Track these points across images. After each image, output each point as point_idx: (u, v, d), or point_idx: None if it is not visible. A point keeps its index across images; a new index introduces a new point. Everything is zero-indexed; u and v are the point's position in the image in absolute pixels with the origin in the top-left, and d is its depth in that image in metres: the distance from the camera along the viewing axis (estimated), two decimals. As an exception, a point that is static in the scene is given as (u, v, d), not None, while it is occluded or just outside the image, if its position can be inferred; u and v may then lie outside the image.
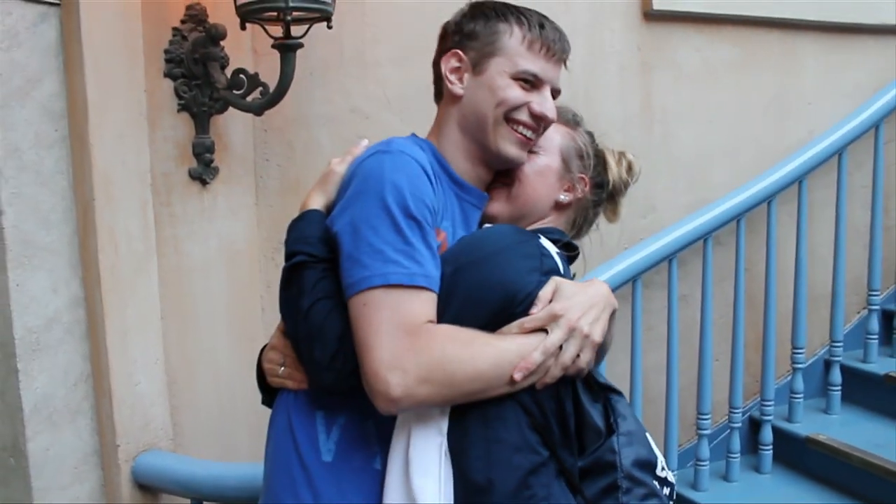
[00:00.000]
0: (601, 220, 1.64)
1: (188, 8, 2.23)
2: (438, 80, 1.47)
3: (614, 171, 1.55)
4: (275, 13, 2.06)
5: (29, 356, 1.93)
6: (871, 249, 3.18)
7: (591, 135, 1.57)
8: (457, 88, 1.42)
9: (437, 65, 1.47)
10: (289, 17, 2.03)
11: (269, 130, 2.47)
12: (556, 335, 1.23)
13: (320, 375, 1.26)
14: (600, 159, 1.55)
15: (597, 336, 1.26)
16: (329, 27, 2.14)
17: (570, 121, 1.55)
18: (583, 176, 1.50)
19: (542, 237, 1.36)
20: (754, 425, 3.11)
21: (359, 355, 1.20)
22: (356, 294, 1.21)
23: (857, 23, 3.25)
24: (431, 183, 1.29)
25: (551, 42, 1.41)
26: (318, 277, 1.28)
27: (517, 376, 1.19)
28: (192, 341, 2.33)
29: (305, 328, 1.26)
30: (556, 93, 1.45)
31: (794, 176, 2.95)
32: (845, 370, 3.15)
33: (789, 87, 3.22)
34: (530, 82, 1.39)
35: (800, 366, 3.05)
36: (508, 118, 1.40)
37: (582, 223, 1.55)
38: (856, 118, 3.07)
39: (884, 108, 3.09)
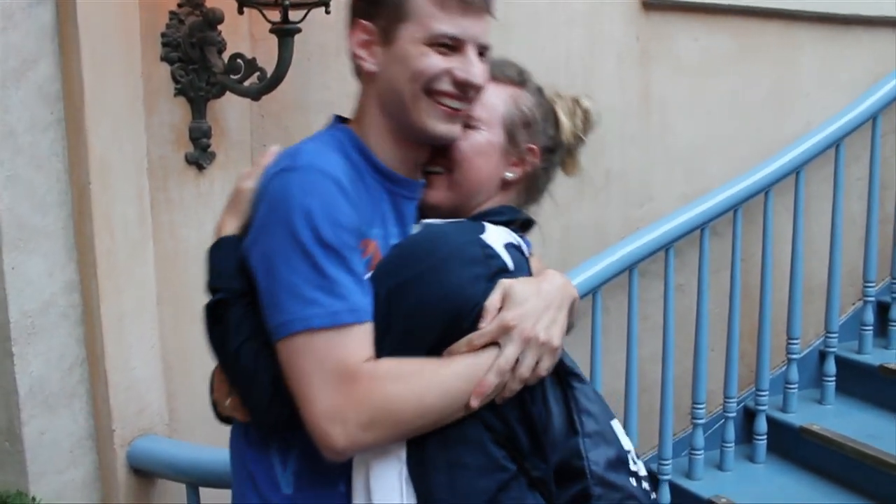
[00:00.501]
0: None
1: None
2: (352, 56, 1.28)
3: (567, 129, 1.36)
4: (272, -2, 2.04)
5: (24, 340, 1.92)
6: (866, 241, 3.19)
7: (540, 91, 1.36)
8: (369, 65, 1.23)
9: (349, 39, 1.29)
10: (287, 2, 2.01)
11: (266, 116, 2.46)
12: (510, 350, 1.11)
13: (260, 417, 1.18)
14: (551, 118, 1.35)
15: (556, 340, 1.15)
16: (327, 12, 2.13)
17: (514, 79, 1.34)
18: (532, 146, 1.32)
19: (487, 227, 1.22)
20: (749, 415, 3.13)
21: (297, 404, 1.10)
22: (280, 340, 1.10)
23: (855, 14, 3.25)
24: (347, 194, 1.14)
25: None
26: (240, 315, 1.17)
27: (473, 403, 1.10)
28: (187, 326, 2.32)
29: (237, 371, 1.18)
30: (484, 50, 1.25)
31: (791, 167, 2.96)
32: (840, 361, 3.16)
33: (787, 79, 3.22)
34: (449, 46, 1.20)
35: (795, 356, 3.06)
36: (429, 91, 1.20)
37: (535, 192, 1.38)
38: (853, 110, 3.07)
39: (881, 99, 3.09)
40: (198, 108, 2.26)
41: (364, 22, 1.22)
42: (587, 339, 2.63)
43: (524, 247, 1.29)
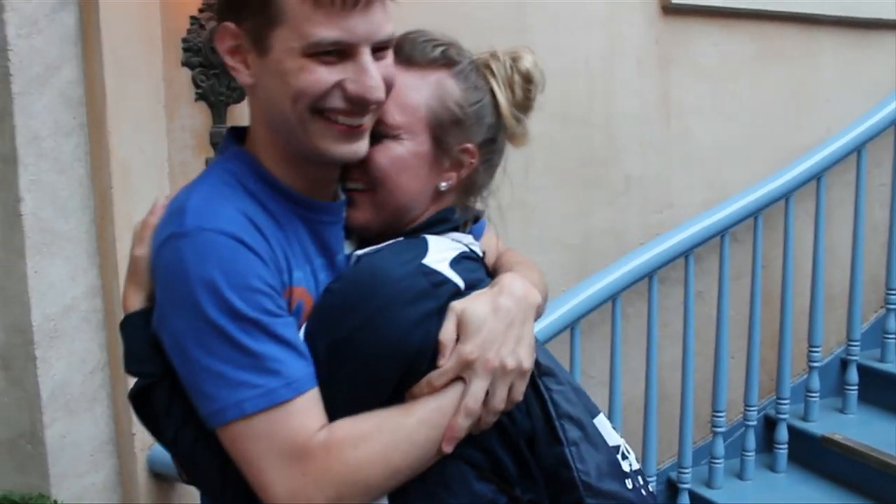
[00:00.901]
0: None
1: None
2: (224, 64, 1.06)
3: (507, 107, 1.14)
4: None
5: (47, 343, 1.94)
6: (889, 248, 3.15)
7: (472, 68, 1.14)
8: (243, 76, 1.02)
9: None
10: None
11: (286, 121, 2.47)
12: (477, 385, 0.98)
13: (218, 502, 1.06)
14: (488, 102, 1.14)
15: (526, 362, 1.02)
16: (347, 17, 2.13)
17: (437, 60, 1.11)
18: (466, 146, 1.12)
19: (429, 245, 1.06)
20: (769, 424, 3.09)
21: (254, 491, 0.97)
22: (217, 429, 0.96)
23: (876, 18, 3.22)
24: (253, 248, 0.97)
25: None
26: (166, 401, 1.01)
27: (447, 448, 0.98)
28: (207, 331, 2.33)
29: (180, 460, 1.05)
30: (384, 45, 1.01)
31: (811, 173, 2.92)
32: (862, 369, 3.12)
33: (807, 83, 3.20)
34: (334, 52, 0.97)
35: (816, 364, 3.03)
36: (318, 110, 0.99)
37: (476, 186, 1.19)
38: (875, 115, 3.03)
39: (904, 105, 3.06)
40: (218, 112, 2.27)
41: (230, 25, 1.00)
42: (606, 346, 2.62)
43: (475, 246, 1.16)
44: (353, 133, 1.02)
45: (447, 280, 1.02)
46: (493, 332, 1.00)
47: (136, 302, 1.05)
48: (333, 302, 1.01)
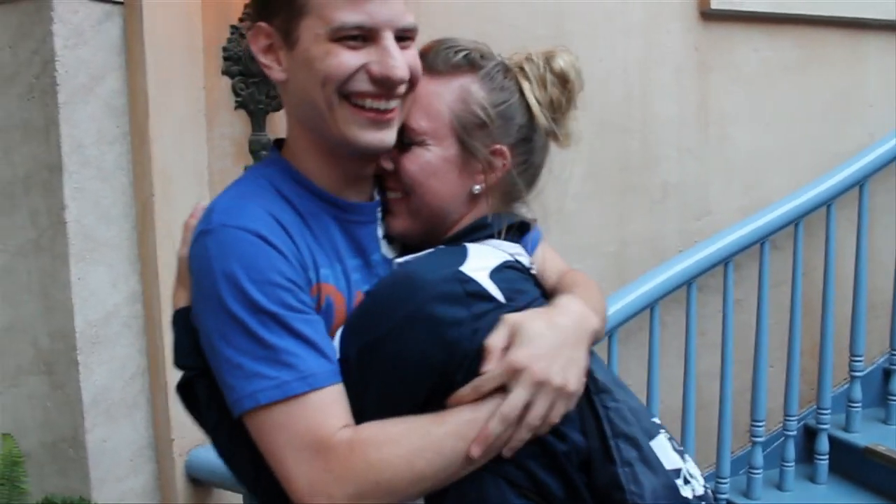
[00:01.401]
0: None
1: (246, 6, 2.24)
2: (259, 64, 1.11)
3: (537, 106, 1.12)
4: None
5: (89, 349, 1.96)
6: (934, 256, 3.09)
7: (501, 70, 1.14)
8: (276, 73, 1.06)
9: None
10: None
11: (324, 129, 2.48)
12: (518, 395, 0.96)
13: (254, 494, 1.07)
14: (518, 103, 1.12)
15: (572, 385, 1.00)
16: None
17: (461, 65, 1.12)
18: (496, 147, 1.11)
19: (469, 253, 1.05)
20: (809, 434, 3.04)
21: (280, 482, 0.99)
22: (240, 417, 0.99)
23: (923, 22, 3.16)
24: (276, 245, 1.00)
25: None
26: (207, 392, 1.05)
27: (475, 452, 0.95)
28: (245, 337, 2.35)
29: (219, 452, 1.08)
30: (407, 33, 1.05)
31: (854, 179, 2.87)
32: (906, 379, 3.06)
33: (850, 89, 3.14)
34: (359, 37, 1.01)
35: (858, 374, 2.97)
36: (346, 94, 1.03)
37: (517, 189, 1.16)
38: (920, 121, 2.98)
39: (950, 110, 3.00)
40: (257, 120, 2.29)
41: (263, 24, 1.05)
42: (644, 354, 2.59)
43: (524, 257, 1.14)
44: (380, 121, 1.05)
45: (483, 290, 1.01)
46: (545, 347, 0.99)
47: (182, 299, 1.11)
48: (368, 305, 1.02)
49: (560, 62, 1.13)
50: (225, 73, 2.24)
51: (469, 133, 1.10)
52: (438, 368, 0.97)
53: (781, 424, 2.94)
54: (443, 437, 0.96)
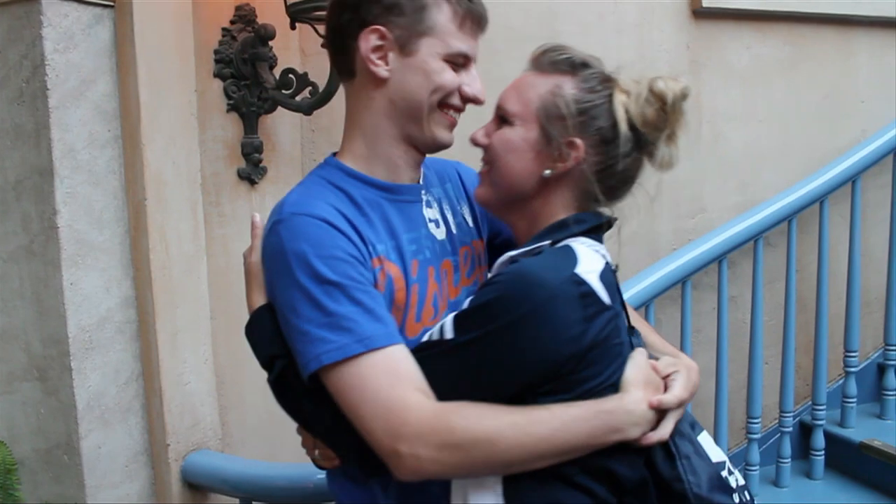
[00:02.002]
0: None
1: (237, 9, 2.24)
2: (345, 54, 1.26)
3: (630, 118, 1.19)
4: (324, 12, 2.04)
5: (82, 354, 1.94)
6: (926, 251, 3.10)
7: (599, 79, 1.23)
8: (381, 70, 1.23)
9: (343, 37, 1.26)
10: (339, 17, 2.02)
11: (317, 130, 2.47)
12: (669, 425, 1.15)
13: (359, 465, 1.17)
14: (603, 107, 1.21)
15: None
16: (379, 26, 2.13)
17: (563, 69, 1.24)
18: (571, 140, 1.20)
19: (579, 256, 1.15)
20: (805, 430, 3.05)
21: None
22: (310, 378, 1.12)
23: (913, 18, 3.16)
24: (338, 227, 1.16)
25: (480, 17, 1.26)
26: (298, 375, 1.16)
27: (654, 401, 1.12)
28: (239, 341, 2.30)
29: (320, 431, 1.18)
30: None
31: (846, 175, 2.88)
32: (900, 374, 3.07)
33: (842, 85, 3.15)
34: (459, 63, 1.25)
35: (853, 369, 2.98)
36: (441, 103, 1.26)
37: (591, 189, 1.23)
38: (912, 116, 2.99)
39: (941, 105, 3.01)
40: (250, 123, 2.28)
41: (380, 27, 1.22)
42: (639, 352, 2.59)
43: (608, 257, 1.24)
44: (453, 125, 1.29)
45: (594, 293, 1.12)
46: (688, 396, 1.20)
47: (259, 299, 1.22)
48: (490, 298, 1.10)
49: (661, 84, 1.20)
50: (217, 75, 2.23)
51: (549, 121, 1.21)
52: (550, 364, 1.07)
53: (777, 421, 2.94)
54: (530, 426, 1.07)
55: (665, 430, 1.13)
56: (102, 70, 1.94)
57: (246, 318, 2.36)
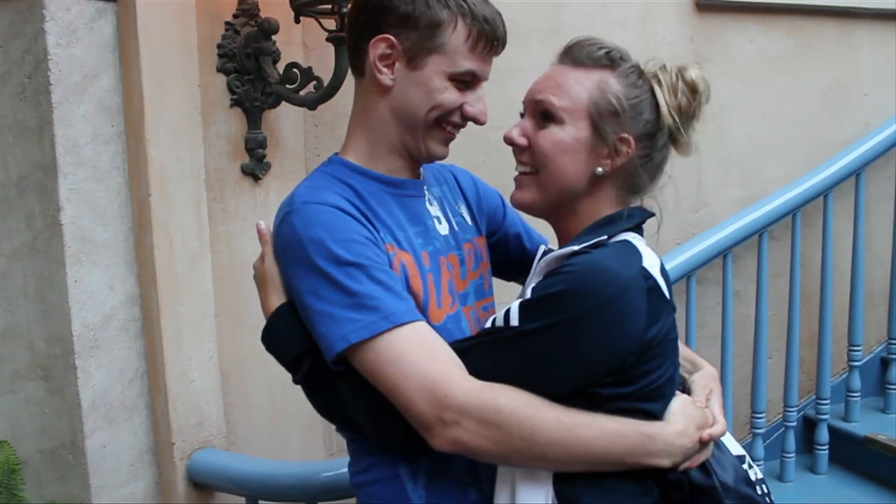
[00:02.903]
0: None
1: (240, 2, 2.21)
2: (357, 54, 1.28)
3: (665, 106, 1.22)
4: (329, 6, 2.03)
5: (87, 353, 1.92)
6: (929, 244, 3.10)
7: (636, 72, 1.24)
8: (385, 79, 1.24)
9: (357, 37, 1.27)
10: (344, 10, 2.00)
11: (320, 125, 2.45)
12: (709, 451, 1.20)
13: (402, 449, 1.19)
14: (648, 101, 1.22)
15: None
16: (383, 20, 2.11)
17: (602, 62, 1.22)
18: (623, 136, 1.20)
19: (642, 252, 1.17)
20: (809, 424, 3.04)
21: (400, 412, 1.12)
22: (337, 360, 1.13)
23: (916, 10, 3.16)
24: (350, 213, 1.18)
25: (496, 39, 1.25)
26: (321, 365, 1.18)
27: (705, 436, 1.16)
28: (244, 338, 2.32)
29: (365, 418, 1.17)
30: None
31: (850, 169, 2.88)
32: (904, 368, 3.07)
33: (845, 78, 3.14)
34: (467, 82, 1.25)
35: (856, 363, 2.98)
36: (440, 119, 1.26)
37: (636, 181, 1.26)
38: (914, 109, 2.99)
39: (944, 98, 3.00)
40: (253, 118, 2.26)
41: (391, 37, 1.22)
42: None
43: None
44: (450, 140, 1.30)
45: (659, 287, 1.14)
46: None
47: (275, 301, 1.22)
48: (562, 287, 1.09)
49: (692, 73, 1.24)
50: (220, 70, 2.20)
51: (602, 118, 1.20)
52: (617, 356, 1.09)
53: (781, 415, 2.94)
54: (573, 427, 1.07)
55: (706, 454, 1.17)
56: (105, 65, 1.92)
57: (251, 314, 2.34)
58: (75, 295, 1.90)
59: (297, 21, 2.11)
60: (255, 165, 2.28)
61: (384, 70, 1.24)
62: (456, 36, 1.22)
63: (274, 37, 2.22)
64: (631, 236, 1.21)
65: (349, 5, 1.28)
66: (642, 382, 1.11)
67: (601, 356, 1.08)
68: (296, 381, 1.21)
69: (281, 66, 2.26)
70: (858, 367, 2.99)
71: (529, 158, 1.24)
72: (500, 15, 1.26)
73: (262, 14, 2.22)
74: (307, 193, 1.20)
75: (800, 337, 2.88)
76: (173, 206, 2.03)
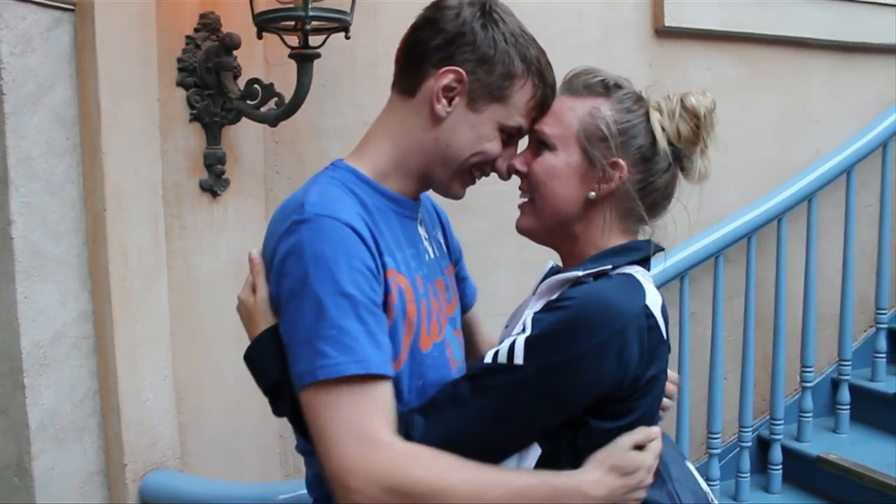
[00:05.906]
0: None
1: (202, 16, 2.19)
2: (416, 74, 1.23)
3: (668, 135, 1.23)
4: (292, 22, 2.02)
5: (36, 371, 1.87)
6: (878, 268, 3.18)
7: (633, 98, 1.26)
8: (442, 110, 1.22)
9: (423, 58, 1.23)
10: (307, 27, 1.99)
11: (280, 143, 2.42)
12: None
13: None
14: (641, 126, 1.23)
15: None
16: (347, 37, 2.11)
17: (597, 90, 1.24)
18: (614, 160, 1.21)
19: (645, 288, 1.16)
20: (763, 444, 3.08)
21: (317, 456, 1.08)
22: (299, 393, 1.09)
23: (864, 42, 3.25)
24: (362, 236, 1.13)
25: (549, 106, 1.26)
26: None
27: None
28: (200, 357, 2.27)
29: None
30: None
31: (803, 194, 2.94)
32: (853, 389, 3.13)
33: (797, 106, 3.22)
34: (511, 136, 1.26)
35: (809, 384, 3.03)
36: (474, 165, 1.25)
37: (634, 206, 1.25)
38: (864, 137, 3.07)
39: (892, 126, 3.08)
40: (212, 133, 2.23)
41: (462, 72, 1.20)
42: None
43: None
44: (471, 184, 1.30)
45: (658, 326, 1.14)
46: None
47: (263, 325, 1.15)
48: (567, 321, 1.09)
49: (692, 100, 1.26)
50: (180, 84, 2.18)
51: (591, 143, 1.22)
52: (612, 391, 1.09)
53: (736, 436, 2.97)
54: (483, 490, 1.04)
55: (639, 495, 1.14)
56: (61, 76, 1.88)
57: (207, 332, 2.30)
58: (25, 311, 1.84)
59: (260, 37, 2.10)
60: (214, 181, 2.25)
61: (444, 101, 1.21)
62: (522, 93, 1.22)
63: (235, 52, 2.20)
64: (635, 270, 1.21)
65: (416, 28, 1.24)
66: (629, 418, 1.13)
67: (601, 389, 1.09)
68: (278, 414, 1.16)
69: (242, 82, 2.23)
70: (811, 388, 3.03)
71: (527, 186, 1.27)
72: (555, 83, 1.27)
73: (224, 29, 2.20)
74: (320, 203, 1.13)
75: (754, 358, 2.92)
76: (129, 221, 1.99)
